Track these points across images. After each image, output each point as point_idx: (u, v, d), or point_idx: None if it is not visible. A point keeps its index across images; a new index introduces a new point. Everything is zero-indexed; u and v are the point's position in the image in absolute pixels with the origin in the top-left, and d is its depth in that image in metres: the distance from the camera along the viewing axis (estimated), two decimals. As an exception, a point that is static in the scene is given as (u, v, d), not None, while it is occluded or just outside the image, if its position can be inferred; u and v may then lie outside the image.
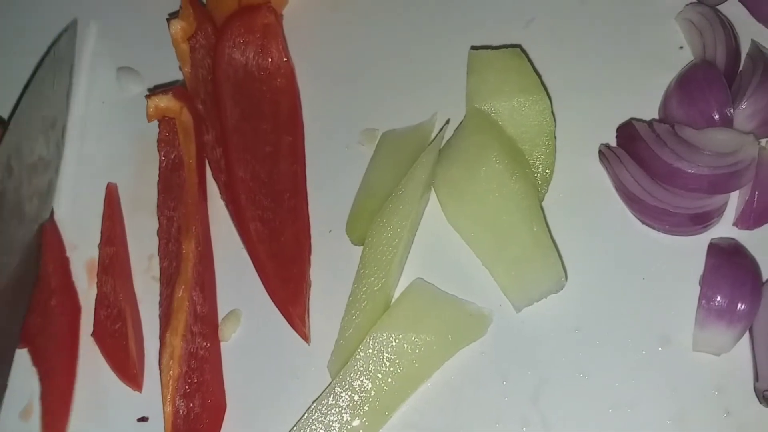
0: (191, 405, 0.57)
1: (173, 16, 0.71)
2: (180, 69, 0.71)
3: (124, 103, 0.72)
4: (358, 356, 0.57)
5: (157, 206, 0.66)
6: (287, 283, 0.61)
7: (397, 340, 0.57)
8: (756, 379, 0.54)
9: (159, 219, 0.65)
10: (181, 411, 0.57)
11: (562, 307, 0.59)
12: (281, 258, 0.62)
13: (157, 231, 0.65)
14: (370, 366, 0.57)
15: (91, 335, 0.62)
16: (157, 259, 0.64)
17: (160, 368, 0.57)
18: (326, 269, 0.63)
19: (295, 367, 0.60)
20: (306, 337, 0.60)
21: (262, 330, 0.62)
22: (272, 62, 0.70)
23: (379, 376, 0.57)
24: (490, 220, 0.59)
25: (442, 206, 0.62)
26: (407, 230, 0.59)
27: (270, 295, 0.61)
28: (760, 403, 0.53)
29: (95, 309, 0.63)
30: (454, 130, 0.64)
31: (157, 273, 0.64)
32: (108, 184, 0.68)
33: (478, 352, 0.59)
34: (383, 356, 0.57)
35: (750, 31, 0.65)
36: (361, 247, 0.61)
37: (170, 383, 0.56)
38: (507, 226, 0.58)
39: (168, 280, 0.62)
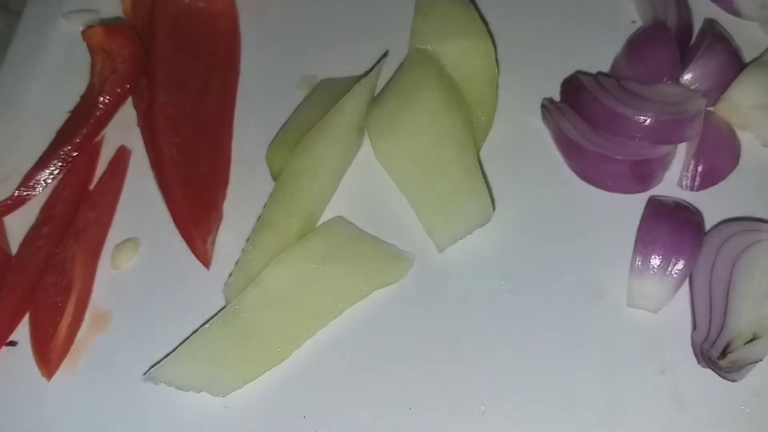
0: None
1: (120, -50, 0.69)
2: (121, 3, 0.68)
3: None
4: (258, 281, 0.51)
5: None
6: (195, 208, 0.56)
7: (305, 269, 0.52)
8: (693, 327, 0.49)
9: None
10: None
11: (489, 257, 0.55)
12: (193, 184, 0.57)
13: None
14: (271, 294, 0.51)
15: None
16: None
17: None
18: (243, 206, 0.58)
19: (191, 294, 0.54)
20: (206, 260, 0.54)
21: (160, 259, 0.56)
22: (215, 5, 0.68)
23: (279, 306, 0.51)
24: (421, 155, 0.55)
25: (372, 144, 0.58)
26: (331, 158, 0.55)
27: (173, 217, 0.56)
28: (695, 355, 0.48)
29: (44, 271, 0.55)
30: (394, 72, 0.61)
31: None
32: (120, 148, 0.62)
33: (396, 296, 0.54)
34: (288, 284, 0.51)
35: (704, 12, 0.64)
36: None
37: None
38: (437, 159, 0.54)
39: None
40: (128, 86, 0.62)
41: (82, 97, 0.65)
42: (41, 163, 0.59)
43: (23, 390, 0.52)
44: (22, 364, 0.52)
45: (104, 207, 0.57)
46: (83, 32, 0.65)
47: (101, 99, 0.61)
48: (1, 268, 0.54)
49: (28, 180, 0.59)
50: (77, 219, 0.56)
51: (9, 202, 0.58)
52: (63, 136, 0.62)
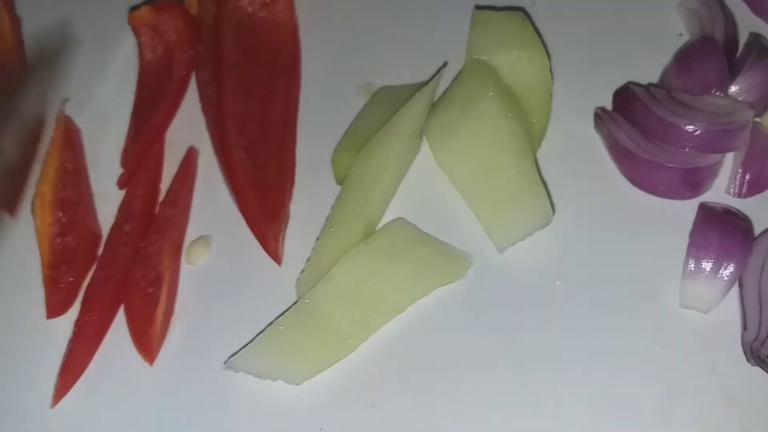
0: (68, 240, 0.59)
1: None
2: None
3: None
4: (328, 278, 0.54)
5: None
6: (264, 208, 0.59)
7: (371, 267, 0.55)
8: (744, 328, 0.51)
9: None
10: (56, 249, 0.59)
11: (545, 258, 0.57)
12: (262, 185, 0.61)
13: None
14: (340, 290, 0.54)
15: None
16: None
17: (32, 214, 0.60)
18: (308, 207, 0.61)
19: (263, 289, 0.57)
20: (278, 258, 0.57)
21: (231, 255, 0.60)
22: (277, 15, 0.71)
23: (348, 301, 0.54)
24: (480, 159, 0.57)
25: (432, 149, 0.61)
26: (393, 163, 0.58)
27: (245, 217, 0.59)
28: (745, 354, 0.50)
29: (133, 266, 0.58)
30: (451, 81, 0.64)
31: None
32: (190, 148, 0.65)
33: (455, 295, 0.56)
34: (355, 282, 0.54)
35: (750, 26, 0.66)
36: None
37: (44, 225, 0.59)
38: (497, 164, 0.57)
39: None
40: (192, 52, 0.67)
41: (139, 84, 0.69)
42: (140, 140, 0.64)
43: (113, 378, 0.55)
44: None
45: (181, 205, 0.61)
46: (129, 15, 0.68)
47: (177, 64, 0.66)
48: (93, 251, 0.59)
49: (128, 157, 0.64)
50: (158, 216, 0.60)
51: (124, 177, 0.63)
52: (141, 114, 0.66)
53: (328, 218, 0.58)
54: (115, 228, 0.61)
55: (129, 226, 0.60)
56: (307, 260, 0.56)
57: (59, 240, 0.60)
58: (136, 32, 0.69)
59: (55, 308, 0.58)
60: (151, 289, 0.56)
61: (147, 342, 0.54)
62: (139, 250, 0.58)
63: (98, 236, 0.61)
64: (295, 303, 0.54)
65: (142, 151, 0.64)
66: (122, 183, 0.63)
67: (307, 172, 0.63)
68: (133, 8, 0.70)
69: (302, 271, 0.56)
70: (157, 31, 0.69)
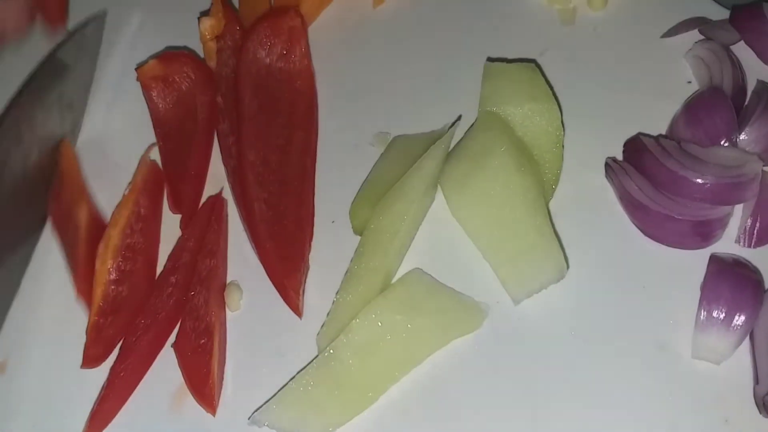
0: (120, 289, 0.59)
1: (204, 14, 0.74)
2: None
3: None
4: (348, 331, 0.55)
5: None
6: (285, 261, 0.61)
7: (389, 320, 0.56)
8: (756, 382, 0.52)
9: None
10: (108, 297, 0.59)
11: (559, 309, 0.58)
12: (282, 238, 0.62)
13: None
14: (359, 343, 0.55)
15: (172, 345, 0.59)
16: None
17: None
18: (326, 257, 0.63)
19: (284, 342, 0.59)
20: (298, 311, 0.59)
21: (254, 306, 0.61)
22: (294, 65, 0.73)
23: (367, 355, 0.55)
24: (495, 212, 0.59)
25: (447, 200, 0.63)
26: (409, 216, 0.59)
27: (266, 270, 0.61)
28: (758, 407, 0.51)
29: (182, 320, 0.59)
30: (465, 132, 0.66)
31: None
32: (217, 196, 0.66)
33: (472, 345, 0.58)
34: (374, 334, 0.56)
35: (758, 74, 0.67)
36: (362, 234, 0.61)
37: (104, 270, 0.59)
38: (511, 217, 0.58)
39: None
40: (210, 94, 0.69)
41: (159, 135, 0.70)
42: (189, 183, 0.66)
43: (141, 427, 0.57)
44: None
45: (220, 255, 0.62)
46: (138, 71, 0.70)
47: (199, 108, 0.68)
48: (141, 304, 0.60)
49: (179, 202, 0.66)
50: (199, 267, 0.61)
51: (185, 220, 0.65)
52: (176, 163, 0.68)
53: (347, 272, 0.59)
54: (162, 278, 0.61)
55: (175, 278, 0.61)
56: (328, 314, 0.58)
57: (113, 288, 0.60)
58: (145, 86, 0.71)
59: (93, 359, 0.58)
60: (203, 340, 0.56)
61: (207, 393, 0.55)
62: (184, 302, 0.59)
63: (150, 290, 0.61)
64: (316, 357, 0.56)
65: (195, 195, 0.65)
66: (184, 226, 0.64)
67: (325, 222, 0.65)
68: (140, 64, 0.72)
69: (323, 325, 0.57)
70: (167, 81, 0.71)
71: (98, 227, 0.62)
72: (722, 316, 0.54)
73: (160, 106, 0.71)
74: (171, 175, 0.67)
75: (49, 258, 0.65)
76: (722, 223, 0.59)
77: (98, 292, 0.59)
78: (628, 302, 0.58)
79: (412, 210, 0.60)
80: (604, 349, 0.56)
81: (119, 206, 0.62)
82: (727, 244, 0.60)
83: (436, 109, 0.69)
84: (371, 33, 0.75)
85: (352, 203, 0.64)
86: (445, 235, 0.63)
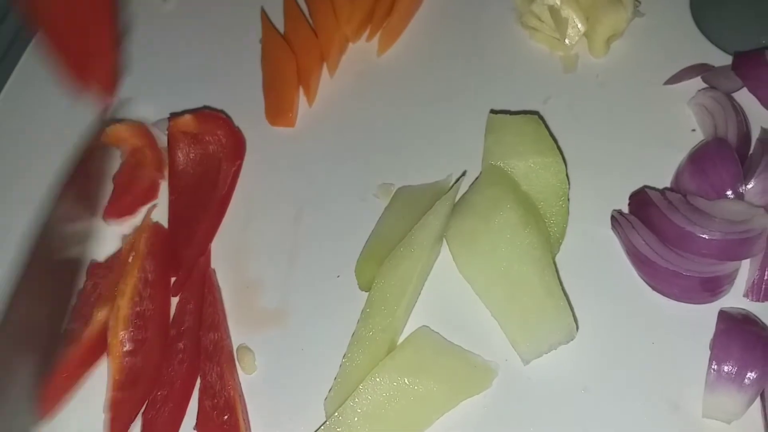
0: (134, 360, 0.58)
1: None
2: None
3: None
4: (356, 396, 0.55)
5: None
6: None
7: (397, 383, 0.55)
8: (768, 444, 0.52)
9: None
10: (125, 366, 0.57)
11: (569, 366, 0.58)
12: None
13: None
14: (368, 407, 0.55)
15: (194, 429, 0.57)
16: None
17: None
18: (332, 313, 0.63)
19: (292, 404, 0.58)
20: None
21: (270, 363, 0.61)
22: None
23: (376, 418, 0.55)
24: (502, 270, 0.59)
25: (454, 257, 0.62)
26: (416, 275, 0.59)
27: None
28: (773, 471, 0.51)
29: (199, 400, 0.57)
30: (470, 186, 0.66)
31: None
32: (208, 269, 0.65)
33: (481, 406, 0.57)
34: (382, 398, 0.55)
35: (761, 121, 0.67)
36: (368, 293, 0.61)
37: (116, 342, 0.57)
38: (519, 276, 0.58)
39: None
40: (239, 163, 0.70)
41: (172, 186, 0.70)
42: (193, 247, 0.65)
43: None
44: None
45: (221, 326, 0.61)
46: (171, 121, 0.70)
47: (223, 175, 0.68)
48: (157, 373, 0.59)
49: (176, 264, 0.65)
50: (204, 344, 0.59)
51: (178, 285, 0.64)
52: (183, 220, 0.67)
53: (354, 333, 0.59)
54: (170, 347, 0.60)
55: (183, 344, 0.60)
56: (335, 378, 0.57)
57: (128, 360, 0.58)
58: (173, 137, 0.70)
59: None
60: (226, 416, 0.55)
61: None
62: (197, 366, 0.58)
63: (162, 358, 0.59)
64: (324, 423, 0.55)
65: (194, 259, 0.64)
66: (175, 291, 0.63)
67: (331, 277, 0.65)
68: (174, 114, 0.72)
69: (330, 390, 0.57)
70: (197, 139, 0.71)
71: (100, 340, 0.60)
72: (733, 375, 0.53)
73: (182, 160, 0.71)
74: (176, 235, 0.67)
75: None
76: (730, 278, 0.58)
77: (114, 366, 0.58)
78: (638, 359, 0.58)
79: (419, 268, 0.59)
80: (615, 408, 0.56)
81: (125, 274, 0.61)
82: (736, 297, 0.59)
83: (439, 160, 0.69)
84: (375, 83, 0.76)
85: (358, 260, 0.64)
86: (452, 291, 0.62)
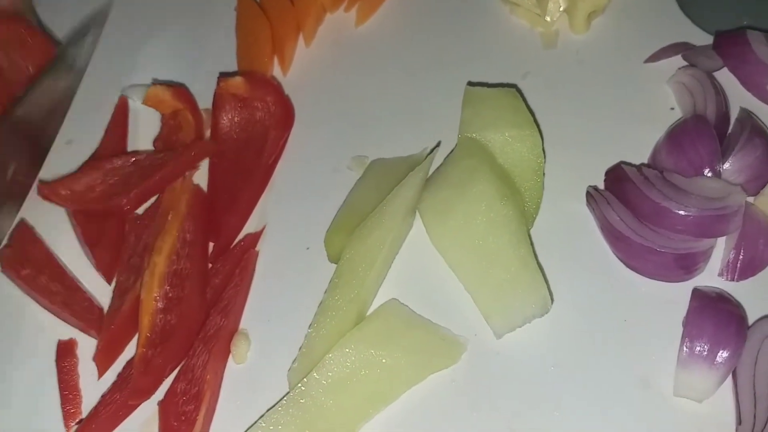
0: (168, 318, 0.56)
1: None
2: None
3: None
4: (321, 367, 0.54)
5: None
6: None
7: (364, 355, 0.54)
8: (738, 422, 0.51)
9: None
10: (157, 324, 0.55)
11: (539, 342, 0.57)
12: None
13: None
14: (333, 378, 0.53)
15: (158, 403, 0.55)
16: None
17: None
18: (299, 285, 0.61)
19: (254, 375, 0.57)
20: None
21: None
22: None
23: (341, 390, 0.53)
24: (476, 242, 0.57)
25: (427, 228, 0.61)
26: (386, 246, 0.58)
27: None
28: (742, 449, 0.50)
29: (175, 378, 0.55)
30: (444, 158, 0.64)
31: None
32: (251, 251, 0.63)
33: (449, 380, 0.56)
34: (348, 370, 0.54)
35: (740, 101, 0.66)
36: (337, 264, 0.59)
37: (150, 299, 0.56)
38: (493, 248, 0.57)
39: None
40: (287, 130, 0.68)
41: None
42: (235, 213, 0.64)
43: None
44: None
45: (235, 314, 0.58)
46: (220, 81, 0.67)
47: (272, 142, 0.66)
48: (192, 334, 0.57)
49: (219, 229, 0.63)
50: (207, 325, 0.57)
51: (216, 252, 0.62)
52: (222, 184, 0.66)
53: (321, 304, 0.57)
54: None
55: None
56: (300, 348, 0.56)
57: (161, 317, 0.56)
58: (219, 98, 0.68)
59: (143, 392, 0.54)
60: (190, 407, 0.53)
61: None
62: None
63: (202, 316, 0.57)
64: (287, 393, 0.54)
65: (235, 227, 0.62)
66: (213, 258, 0.61)
67: (300, 248, 0.63)
68: (224, 74, 0.69)
69: (294, 360, 0.55)
70: (245, 103, 0.68)
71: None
72: (705, 353, 0.52)
73: (226, 123, 0.68)
74: (217, 201, 0.64)
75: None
76: (705, 255, 0.57)
77: (145, 323, 0.55)
78: (609, 336, 0.56)
79: (390, 239, 0.58)
80: (585, 385, 0.55)
81: (163, 233, 0.59)
82: (711, 276, 0.58)
83: (415, 133, 0.68)
84: (351, 54, 0.74)
85: (328, 230, 0.62)
86: (423, 264, 0.61)
